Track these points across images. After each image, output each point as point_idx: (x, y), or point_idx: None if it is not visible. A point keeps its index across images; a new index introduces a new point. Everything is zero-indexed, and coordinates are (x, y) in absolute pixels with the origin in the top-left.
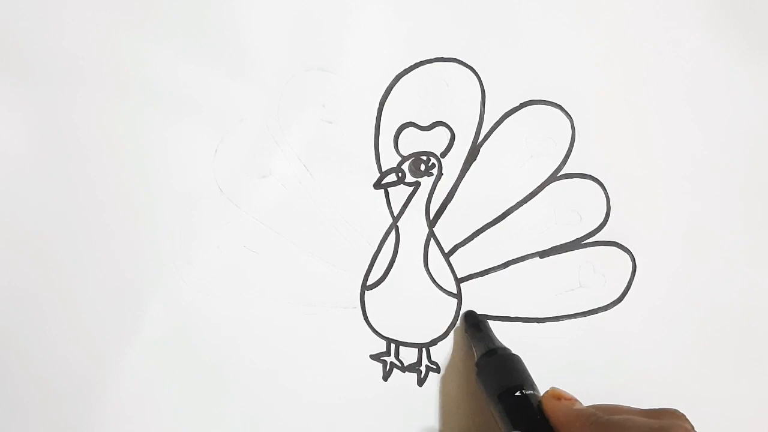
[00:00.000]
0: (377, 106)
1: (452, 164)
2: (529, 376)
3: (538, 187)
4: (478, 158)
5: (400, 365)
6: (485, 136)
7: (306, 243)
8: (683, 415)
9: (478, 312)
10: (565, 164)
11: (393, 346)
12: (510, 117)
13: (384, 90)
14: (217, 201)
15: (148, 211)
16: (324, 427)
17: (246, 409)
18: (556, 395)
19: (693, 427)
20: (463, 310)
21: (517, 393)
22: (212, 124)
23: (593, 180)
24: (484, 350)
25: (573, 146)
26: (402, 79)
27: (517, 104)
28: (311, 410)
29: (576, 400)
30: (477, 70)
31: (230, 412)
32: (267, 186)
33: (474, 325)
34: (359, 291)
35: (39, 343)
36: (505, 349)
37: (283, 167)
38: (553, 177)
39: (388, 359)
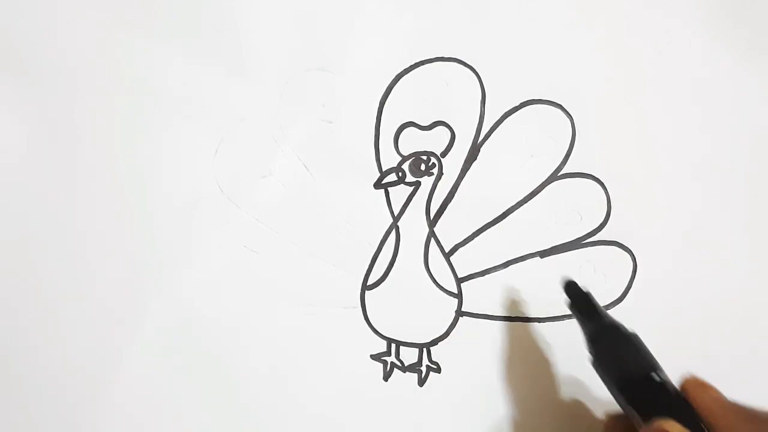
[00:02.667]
0: (377, 105)
1: (452, 164)
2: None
3: (539, 186)
4: (478, 158)
5: (400, 365)
6: (485, 135)
7: (306, 243)
8: None
9: (477, 312)
10: (565, 164)
11: (393, 346)
12: (510, 116)
13: (384, 90)
14: (217, 201)
15: (148, 211)
16: (325, 427)
17: (246, 409)
18: (700, 383)
19: None
20: (464, 309)
21: (655, 378)
22: (212, 124)
23: (593, 179)
24: (597, 329)
25: (573, 146)
26: (402, 78)
27: (518, 104)
28: (312, 410)
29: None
30: (477, 70)
31: (231, 412)
32: (267, 186)
33: (580, 300)
34: (359, 291)
35: (40, 344)
36: (619, 326)
37: (284, 167)
38: (554, 176)
39: (389, 359)
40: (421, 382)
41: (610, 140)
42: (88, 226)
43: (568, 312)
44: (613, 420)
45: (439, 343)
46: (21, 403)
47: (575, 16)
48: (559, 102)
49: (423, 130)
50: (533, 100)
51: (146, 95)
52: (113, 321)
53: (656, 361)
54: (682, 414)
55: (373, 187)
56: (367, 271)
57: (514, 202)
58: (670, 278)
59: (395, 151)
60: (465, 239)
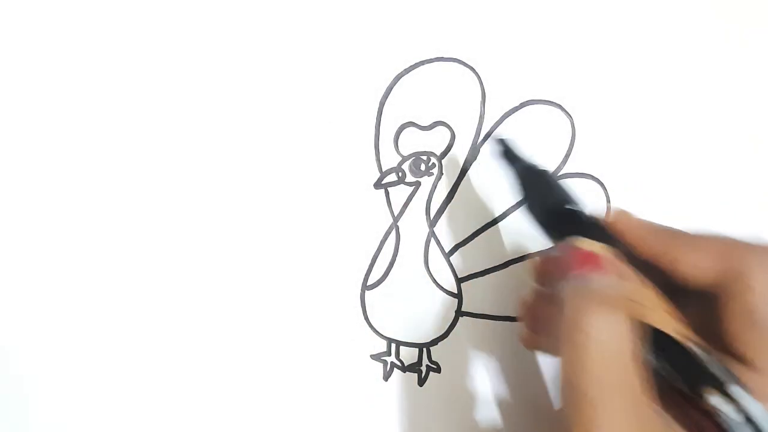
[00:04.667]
0: (377, 106)
1: (452, 164)
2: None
3: None
4: (478, 158)
5: (400, 365)
6: (485, 135)
7: (306, 243)
8: None
9: (477, 312)
10: (565, 164)
11: (393, 346)
12: (510, 117)
13: (384, 90)
14: (217, 202)
15: (147, 211)
16: (325, 428)
17: (246, 409)
18: (623, 212)
19: None
20: (464, 309)
21: (569, 208)
22: (212, 124)
23: (593, 179)
24: (520, 172)
25: (573, 146)
26: (402, 78)
27: (517, 104)
28: (312, 410)
29: None
30: (477, 70)
31: (230, 412)
32: (267, 187)
33: (505, 151)
34: (359, 291)
35: (37, 345)
36: (535, 164)
37: (283, 168)
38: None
39: (389, 359)
40: (421, 382)
41: (609, 140)
42: (87, 226)
43: None
44: (546, 260)
45: (439, 343)
46: (17, 403)
47: (574, 15)
48: (558, 102)
49: (423, 130)
50: (533, 100)
51: (151, 95)
52: (112, 323)
53: (571, 195)
54: (596, 235)
55: (373, 187)
56: (367, 271)
57: (514, 202)
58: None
59: (395, 151)
60: (465, 239)
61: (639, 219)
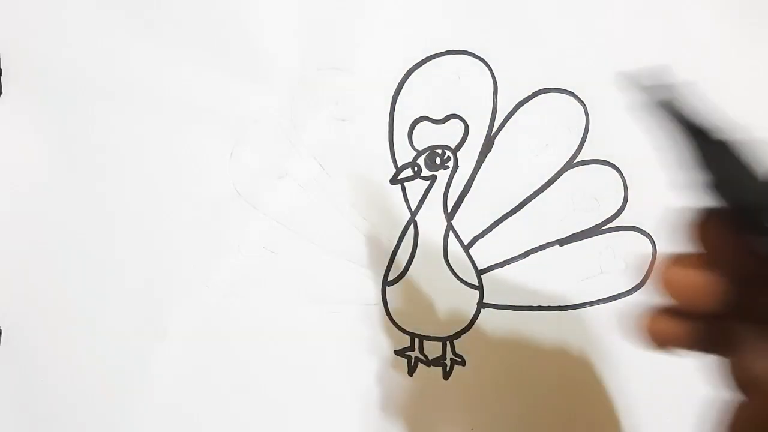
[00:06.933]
0: (390, 101)
1: (467, 156)
2: None
3: (555, 175)
4: (493, 149)
5: (425, 359)
6: (499, 126)
7: (325, 242)
8: None
9: (499, 303)
10: (580, 151)
11: (417, 340)
12: (523, 106)
13: (396, 85)
14: (235, 204)
15: (167, 216)
16: (352, 425)
17: (271, 408)
18: None
19: None
20: (486, 300)
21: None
22: (227, 127)
23: (609, 165)
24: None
25: (588, 132)
26: (414, 73)
27: (530, 93)
28: (338, 408)
29: None
30: (488, 61)
31: (256, 411)
32: (284, 187)
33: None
34: (380, 287)
35: (65, 349)
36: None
37: (299, 167)
38: (569, 164)
39: (413, 354)
40: (446, 375)
41: (624, 125)
42: (107, 233)
43: (591, 299)
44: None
45: (463, 336)
46: (48, 405)
47: (583, 2)
48: (571, 90)
49: (436, 124)
50: (545, 89)
51: (160, 101)
52: (136, 325)
53: None
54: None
55: (389, 183)
56: (387, 267)
57: (531, 192)
58: None
59: (410, 146)
60: (483, 231)
61: None
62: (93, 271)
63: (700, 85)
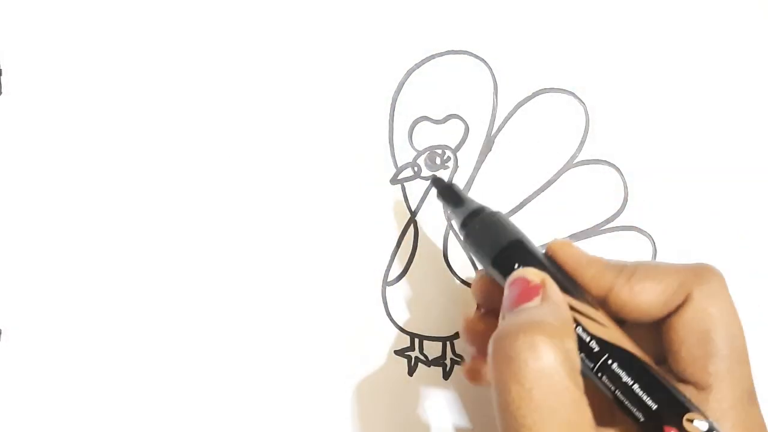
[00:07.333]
0: (390, 101)
1: (468, 156)
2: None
3: (555, 174)
4: (493, 149)
5: (425, 360)
6: (499, 126)
7: (324, 241)
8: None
9: None
10: (580, 151)
11: (417, 340)
12: (523, 106)
13: (396, 85)
14: (232, 202)
15: (167, 216)
16: (351, 425)
17: (273, 408)
18: (564, 243)
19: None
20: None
21: (518, 243)
22: (223, 125)
23: (610, 165)
24: (466, 214)
25: (588, 132)
26: (413, 73)
27: (530, 93)
28: (338, 409)
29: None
30: (488, 61)
31: (257, 411)
32: (283, 186)
33: (444, 189)
34: (380, 287)
35: (65, 349)
36: (484, 207)
37: (299, 167)
38: (569, 164)
39: (413, 354)
40: (447, 375)
41: (624, 125)
42: (107, 233)
43: None
44: (483, 279)
45: None
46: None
47: (583, 2)
48: (571, 89)
49: (436, 124)
50: (545, 88)
51: (156, 97)
52: (135, 325)
53: (522, 232)
54: (544, 267)
55: (389, 183)
56: (387, 267)
57: (531, 192)
58: (690, 261)
59: (410, 146)
60: None
61: (581, 252)
62: (93, 271)
63: (699, 83)
